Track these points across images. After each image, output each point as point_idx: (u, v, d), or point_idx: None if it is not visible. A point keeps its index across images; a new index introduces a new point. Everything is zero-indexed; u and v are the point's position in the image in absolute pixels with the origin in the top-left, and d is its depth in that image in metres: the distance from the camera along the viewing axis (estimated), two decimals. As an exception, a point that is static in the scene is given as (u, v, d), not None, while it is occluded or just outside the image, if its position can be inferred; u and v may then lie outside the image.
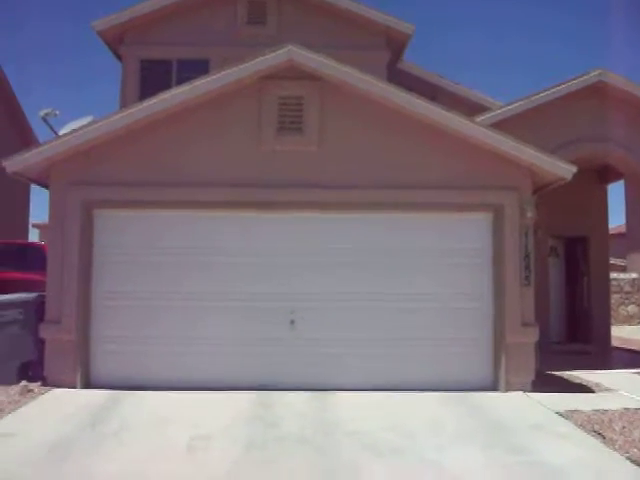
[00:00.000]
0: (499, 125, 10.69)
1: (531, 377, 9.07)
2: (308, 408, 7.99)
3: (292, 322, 9.11)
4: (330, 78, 9.22)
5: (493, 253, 9.24)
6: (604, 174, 14.21)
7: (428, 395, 8.62)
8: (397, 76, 13.82)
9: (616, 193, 18.72)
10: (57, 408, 7.93)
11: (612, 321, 15.71)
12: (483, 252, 9.28)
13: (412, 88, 10.02)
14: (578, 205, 13.74)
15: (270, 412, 7.78)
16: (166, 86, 11.10)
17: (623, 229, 23.10)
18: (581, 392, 9.31)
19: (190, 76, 9.85)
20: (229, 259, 9.20)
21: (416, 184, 9.19)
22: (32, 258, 12.62)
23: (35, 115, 16.82)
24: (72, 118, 12.13)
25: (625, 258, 25.45)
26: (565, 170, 9.15)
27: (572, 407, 8.13)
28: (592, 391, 9.43)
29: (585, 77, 11.69)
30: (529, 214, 9.15)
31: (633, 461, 6.17)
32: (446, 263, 9.24)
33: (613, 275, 19.84)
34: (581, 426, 7.34)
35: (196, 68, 12.71)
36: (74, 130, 9.32)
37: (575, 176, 9.22)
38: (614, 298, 19.99)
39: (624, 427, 7.30)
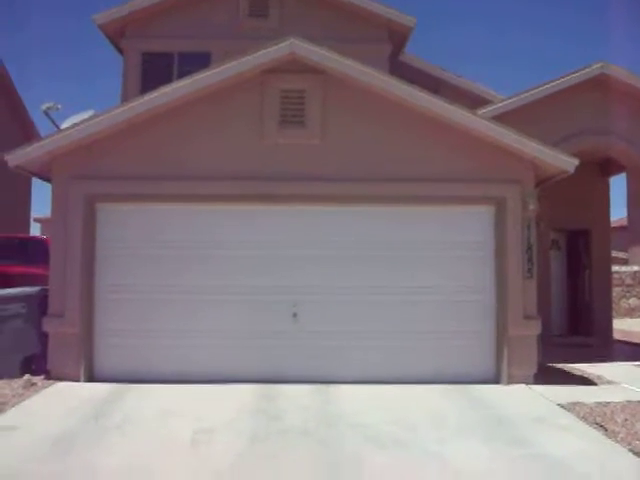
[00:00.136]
0: (501, 118, 10.67)
1: (533, 370, 9.08)
2: (311, 401, 8.01)
3: (294, 315, 9.12)
4: (332, 71, 9.20)
5: (495, 246, 9.24)
6: (606, 167, 14.21)
7: (430, 388, 8.65)
8: (399, 69, 13.79)
9: (618, 186, 18.68)
10: (60, 401, 7.95)
11: (614, 314, 15.72)
12: (485, 245, 9.28)
13: (414, 81, 10.00)
14: (580, 198, 13.75)
15: (273, 405, 7.80)
16: (167, 79, 11.13)
17: (625, 222, 23.06)
18: (583, 385, 9.33)
19: (191, 69, 9.85)
20: (232, 252, 9.20)
21: (419, 177, 9.19)
22: (35, 252, 12.63)
23: (37, 109, 16.88)
24: (74, 112, 12.15)
25: (627, 251, 25.46)
26: (568, 163, 9.14)
27: (574, 400, 8.15)
28: (594, 384, 9.44)
29: (587, 70, 11.67)
30: (531, 207, 9.14)
31: (635, 453, 6.19)
32: (448, 256, 9.25)
33: (615, 268, 19.86)
34: (583, 418, 7.36)
35: (197, 61, 12.69)
36: (76, 124, 9.32)
37: (577, 169, 9.22)
38: (615, 291, 19.98)
39: (626, 419, 7.32)
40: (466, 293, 9.24)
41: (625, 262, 24.73)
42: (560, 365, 10.70)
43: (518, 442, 6.52)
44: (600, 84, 11.68)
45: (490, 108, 11.56)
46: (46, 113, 15.61)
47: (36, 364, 9.18)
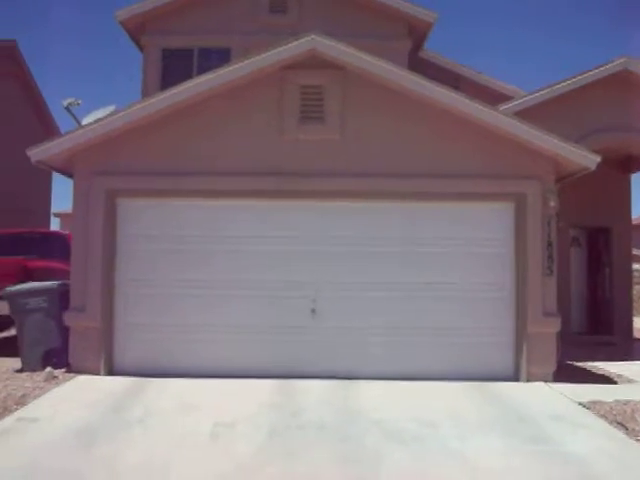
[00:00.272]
0: (521, 114, 10.62)
1: (553, 367, 9.03)
2: (330, 396, 8.02)
3: (313, 311, 9.13)
4: (352, 67, 9.19)
5: (515, 243, 9.19)
6: (627, 164, 14.08)
7: (450, 384, 8.63)
8: (419, 65, 13.77)
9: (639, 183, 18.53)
10: (81, 394, 8.03)
11: (634, 312, 15.59)
12: (505, 242, 9.24)
13: (434, 77, 9.95)
14: (601, 195, 13.65)
15: (293, 400, 7.83)
16: (187, 75, 11.16)
17: (646, 220, 22.87)
18: (603, 383, 9.26)
19: (211, 65, 9.92)
20: (251, 247, 9.23)
21: (438, 173, 9.16)
22: (55, 247, 12.73)
23: (57, 104, 16.96)
24: (95, 107, 12.18)
25: (647, 249, 25.18)
26: (589, 160, 9.06)
27: (594, 398, 8.09)
28: (614, 382, 9.38)
29: (609, 65, 11.57)
30: (552, 203, 9.08)
31: (657, 452, 6.16)
32: (468, 252, 9.22)
33: (635, 266, 19.65)
34: (603, 417, 7.31)
35: (217, 57, 12.77)
36: (97, 120, 9.37)
37: (598, 166, 9.14)
38: (636, 289, 19.80)
39: (647, 418, 7.27)
40: (486, 290, 9.21)
41: (645, 260, 24.45)
42: (580, 363, 10.63)
43: (537, 439, 6.50)
44: (622, 80, 11.58)
45: (510, 104, 11.50)
46: (68, 109, 15.70)
47: (57, 357, 9.26)
